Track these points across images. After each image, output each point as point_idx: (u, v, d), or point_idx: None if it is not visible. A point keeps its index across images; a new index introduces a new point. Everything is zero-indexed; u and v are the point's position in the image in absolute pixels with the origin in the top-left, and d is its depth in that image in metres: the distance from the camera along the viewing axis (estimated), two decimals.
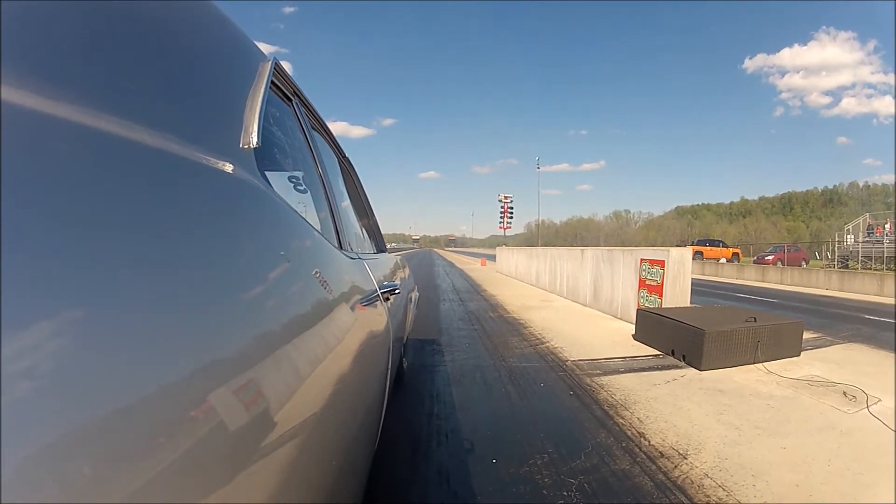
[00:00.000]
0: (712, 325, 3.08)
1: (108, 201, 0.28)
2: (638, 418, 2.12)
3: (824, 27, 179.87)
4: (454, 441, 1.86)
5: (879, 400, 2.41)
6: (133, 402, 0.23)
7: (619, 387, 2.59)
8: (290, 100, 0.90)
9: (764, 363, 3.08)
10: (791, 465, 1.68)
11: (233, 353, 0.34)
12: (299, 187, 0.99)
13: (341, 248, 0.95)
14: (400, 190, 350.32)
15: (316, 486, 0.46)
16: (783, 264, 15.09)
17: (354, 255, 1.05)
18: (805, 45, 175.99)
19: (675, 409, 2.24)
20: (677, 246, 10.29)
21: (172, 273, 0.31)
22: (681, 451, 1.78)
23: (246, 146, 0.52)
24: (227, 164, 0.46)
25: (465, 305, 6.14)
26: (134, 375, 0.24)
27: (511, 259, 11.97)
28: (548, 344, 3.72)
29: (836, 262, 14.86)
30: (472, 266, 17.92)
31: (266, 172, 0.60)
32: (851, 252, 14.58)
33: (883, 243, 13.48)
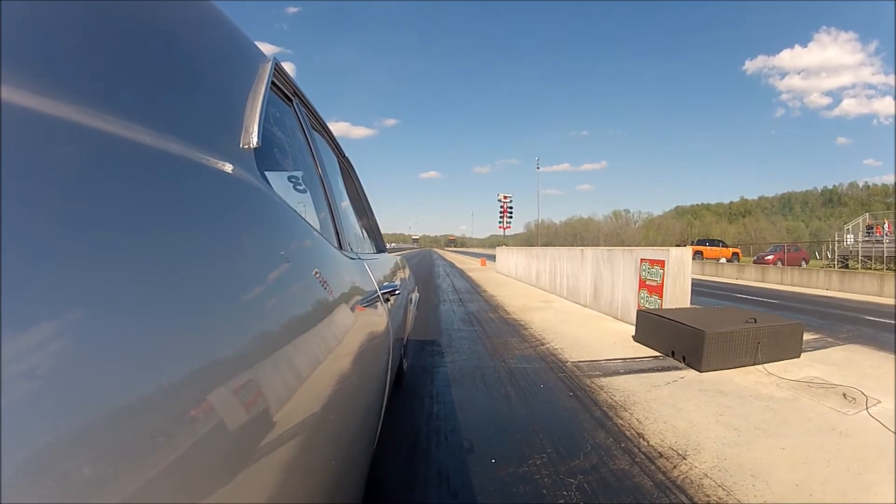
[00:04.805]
0: (712, 326, 3.08)
1: (108, 201, 0.28)
2: (637, 419, 2.12)
3: (825, 28, 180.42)
4: (453, 441, 1.86)
5: (879, 401, 2.41)
6: (133, 402, 0.23)
7: (619, 388, 2.59)
8: (290, 100, 0.90)
9: (764, 364, 3.07)
10: (791, 465, 1.68)
11: (233, 353, 0.34)
12: (299, 187, 0.99)
13: (341, 248, 0.95)
14: (400, 190, 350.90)
15: (316, 486, 0.46)
16: (783, 264, 15.07)
17: (354, 256, 1.05)
18: (805, 46, 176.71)
19: (675, 411, 2.24)
20: (677, 246, 10.28)
21: (172, 273, 0.31)
22: (680, 452, 1.78)
23: (246, 146, 0.52)
24: (227, 164, 0.46)
25: (465, 306, 6.14)
26: (134, 375, 0.24)
27: (511, 259, 11.96)
28: (548, 345, 3.72)
29: (835, 262, 14.85)
30: (471, 266, 17.92)
31: (266, 172, 0.60)
32: (851, 252, 14.57)
33: (882, 243, 13.49)
